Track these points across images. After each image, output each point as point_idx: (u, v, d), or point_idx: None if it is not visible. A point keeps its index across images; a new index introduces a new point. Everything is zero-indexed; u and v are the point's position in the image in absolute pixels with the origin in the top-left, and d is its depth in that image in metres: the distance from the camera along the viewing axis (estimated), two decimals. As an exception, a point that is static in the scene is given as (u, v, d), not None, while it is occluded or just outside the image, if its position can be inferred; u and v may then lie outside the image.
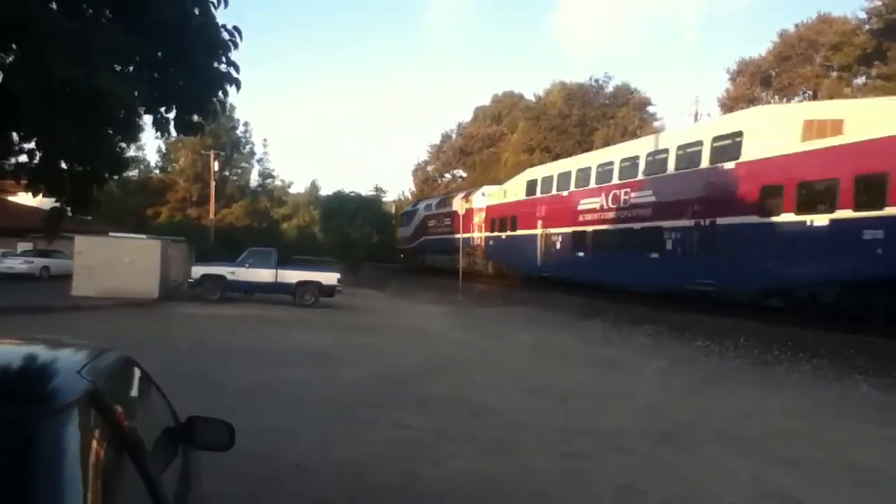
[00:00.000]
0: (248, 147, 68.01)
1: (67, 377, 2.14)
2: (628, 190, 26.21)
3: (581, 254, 29.44)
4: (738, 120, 22.70)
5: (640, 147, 27.27)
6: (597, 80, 64.76)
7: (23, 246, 36.19)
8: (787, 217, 18.81)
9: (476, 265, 40.77)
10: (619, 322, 21.56)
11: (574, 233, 29.80)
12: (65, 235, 22.74)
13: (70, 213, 5.42)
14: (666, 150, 24.85)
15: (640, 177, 25.82)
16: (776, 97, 49.84)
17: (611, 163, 28.26)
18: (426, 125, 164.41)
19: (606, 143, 53.90)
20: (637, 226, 25.39)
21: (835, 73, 45.65)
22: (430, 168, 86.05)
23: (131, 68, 4.82)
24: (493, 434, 8.15)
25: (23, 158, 4.90)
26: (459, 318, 23.50)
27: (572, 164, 32.51)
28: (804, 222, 18.27)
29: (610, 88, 64.68)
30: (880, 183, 16.41)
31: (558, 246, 31.22)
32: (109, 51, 3.95)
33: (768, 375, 13.58)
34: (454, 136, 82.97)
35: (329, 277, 25.94)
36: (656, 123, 63.31)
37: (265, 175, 70.63)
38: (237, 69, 5.26)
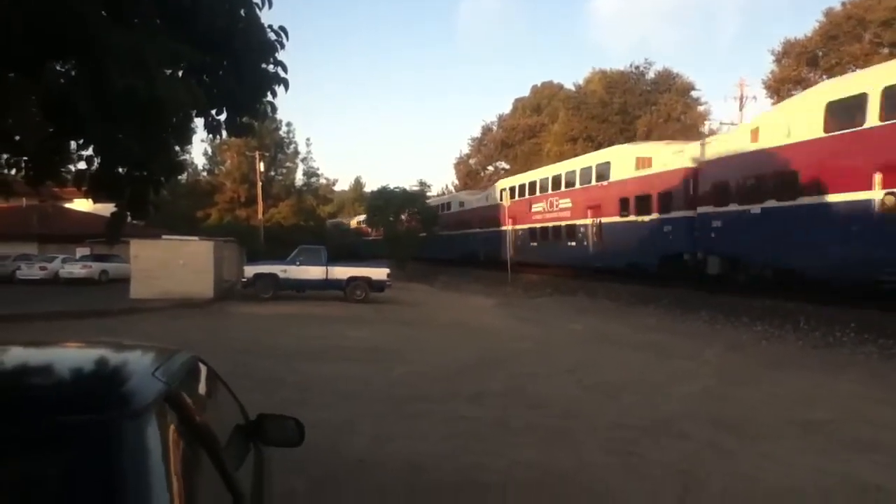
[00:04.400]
0: (291, 147, 68.63)
1: (144, 379, 2.18)
2: (557, 198, 36.08)
3: (534, 244, 38.92)
4: (609, 153, 32.87)
5: (563, 167, 37.25)
6: (637, 67, 63.62)
7: (81, 251, 37.22)
8: (631, 218, 28.69)
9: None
10: (673, 309, 21.29)
11: (530, 229, 39.27)
12: (121, 240, 23.32)
13: (129, 218, 5.53)
14: (574, 171, 34.64)
15: (563, 188, 35.50)
16: (824, 77, 48.34)
17: (547, 177, 37.94)
18: (468, 118, 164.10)
19: (649, 130, 53.14)
20: (563, 223, 35.03)
21: (886, 50, 44.16)
22: (472, 161, 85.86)
23: (181, 73, 4.88)
24: (551, 424, 8.10)
25: (81, 165, 5.02)
26: (511, 309, 23.48)
27: (528, 176, 41.98)
28: (638, 221, 28.13)
29: (651, 75, 63.48)
30: (669, 197, 26.01)
31: (520, 238, 40.52)
32: (165, 59, 4.01)
33: (833, 358, 13.24)
34: (495, 128, 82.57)
35: (379, 273, 26.12)
36: (700, 108, 62.04)
37: (310, 174, 71.21)
38: (285, 69, 5.29)
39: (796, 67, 48.71)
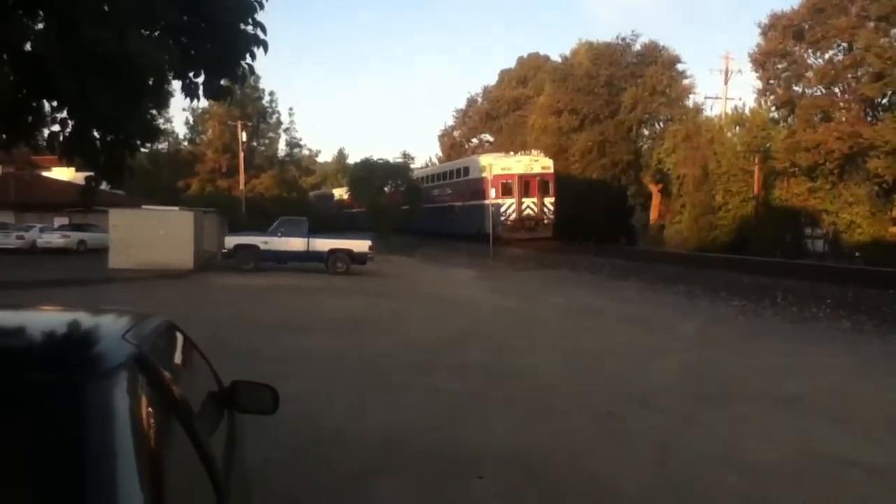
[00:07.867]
0: (274, 117, 67.88)
1: (113, 341, 2.12)
2: (444, 186, 49.55)
3: (430, 218, 48.58)
4: (466, 162, 47.22)
5: (450, 165, 50.54)
6: (624, 39, 63.04)
7: (59, 220, 36.71)
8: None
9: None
10: (653, 282, 21.40)
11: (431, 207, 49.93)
12: (100, 209, 23.05)
13: (105, 184, 5.42)
14: (453, 169, 48.31)
15: (448, 180, 48.97)
16: (810, 51, 48.36)
17: (444, 169, 51.07)
18: (453, 89, 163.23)
19: (635, 103, 52.95)
20: (444, 204, 47.68)
21: (871, 24, 44.23)
22: (456, 133, 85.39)
23: (158, 33, 4.76)
24: (530, 397, 8.12)
25: (56, 128, 4.90)
26: (492, 282, 23.49)
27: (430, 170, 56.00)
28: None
29: (637, 47, 63.03)
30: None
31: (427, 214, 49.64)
32: (137, 14, 3.89)
33: (808, 332, 13.38)
34: (480, 100, 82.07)
35: (360, 245, 25.96)
36: (686, 81, 61.81)
37: (293, 144, 70.59)
38: (264, 30, 5.17)
39: (782, 40, 48.57)
